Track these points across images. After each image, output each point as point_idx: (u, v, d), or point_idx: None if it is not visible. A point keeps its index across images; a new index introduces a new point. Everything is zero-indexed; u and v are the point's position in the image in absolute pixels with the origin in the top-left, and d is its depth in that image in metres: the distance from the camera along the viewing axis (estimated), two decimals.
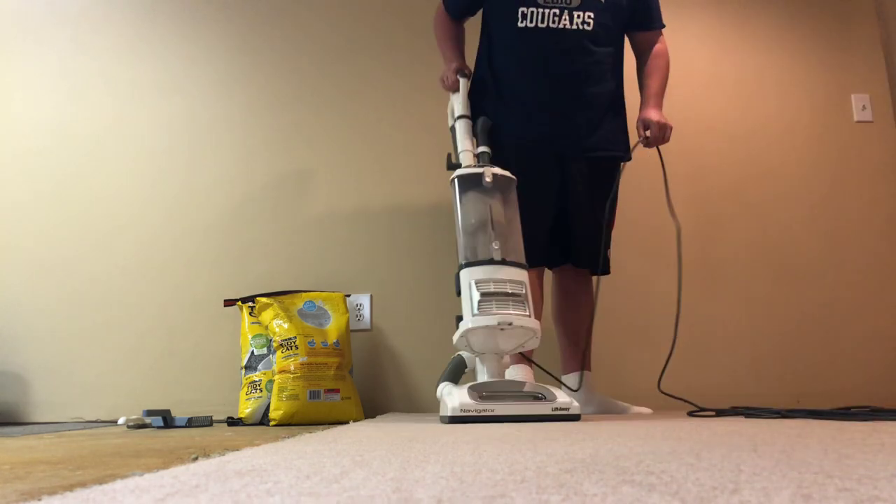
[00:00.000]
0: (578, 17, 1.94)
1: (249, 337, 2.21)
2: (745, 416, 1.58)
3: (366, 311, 2.48)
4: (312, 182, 2.60)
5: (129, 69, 2.69)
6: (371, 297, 2.49)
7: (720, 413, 1.75)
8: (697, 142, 2.72)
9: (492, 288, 1.64)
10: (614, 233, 2.11)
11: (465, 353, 1.76)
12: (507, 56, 1.98)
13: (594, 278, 2.07)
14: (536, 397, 1.58)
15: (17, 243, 2.56)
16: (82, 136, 2.64)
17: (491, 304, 1.63)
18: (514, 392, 1.61)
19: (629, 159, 2.04)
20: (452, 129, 1.99)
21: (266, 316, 2.17)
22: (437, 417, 1.73)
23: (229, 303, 2.31)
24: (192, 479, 0.62)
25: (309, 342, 2.09)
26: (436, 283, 2.49)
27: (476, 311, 1.62)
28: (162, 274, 2.52)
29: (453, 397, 1.53)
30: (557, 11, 1.93)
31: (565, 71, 1.94)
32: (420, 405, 2.42)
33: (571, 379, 2.06)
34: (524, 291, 1.67)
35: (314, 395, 2.03)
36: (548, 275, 2.12)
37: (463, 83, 2.01)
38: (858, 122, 2.79)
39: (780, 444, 0.85)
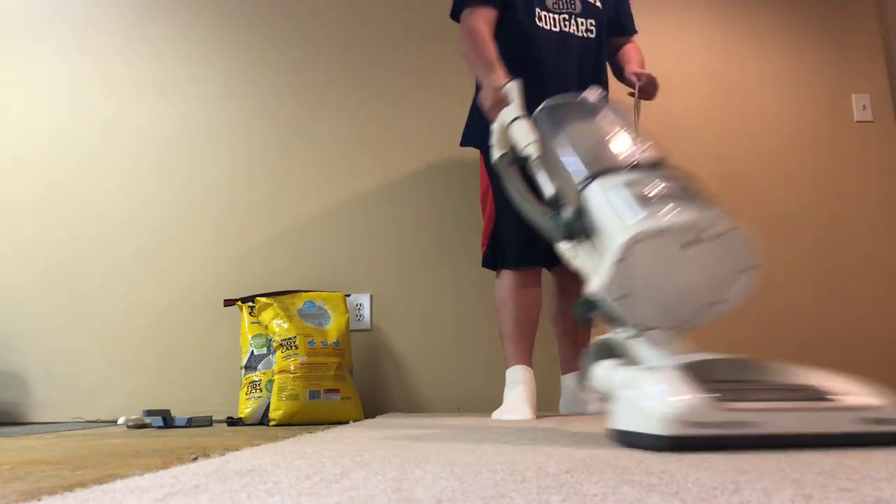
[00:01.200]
0: (582, 23, 2.00)
1: (249, 337, 2.21)
2: None
3: (366, 311, 2.48)
4: (312, 182, 2.59)
5: (129, 69, 2.69)
6: (371, 297, 2.49)
7: None
8: (697, 141, 2.72)
9: (654, 189, 1.01)
10: None
11: (611, 337, 1.04)
12: (524, 55, 1.97)
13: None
14: (813, 395, 0.87)
15: (16, 243, 2.56)
16: (82, 135, 2.64)
17: (666, 201, 0.98)
18: (770, 383, 0.92)
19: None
20: (510, 153, 1.49)
21: (266, 316, 2.17)
22: (440, 418, 1.68)
23: (229, 303, 2.31)
24: (192, 479, 0.62)
25: (309, 342, 2.09)
26: (436, 283, 2.49)
27: (640, 213, 0.97)
28: (162, 274, 2.52)
29: (656, 391, 0.82)
30: (566, 16, 1.98)
31: (575, 73, 1.97)
32: (420, 405, 2.42)
33: (571, 379, 2.06)
34: (708, 196, 1.03)
35: (314, 395, 2.03)
36: (546, 276, 2.12)
37: (513, 86, 1.58)
38: (859, 121, 2.79)
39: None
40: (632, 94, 1.97)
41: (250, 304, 2.23)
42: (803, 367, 0.95)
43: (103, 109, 2.66)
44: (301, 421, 1.99)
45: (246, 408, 2.11)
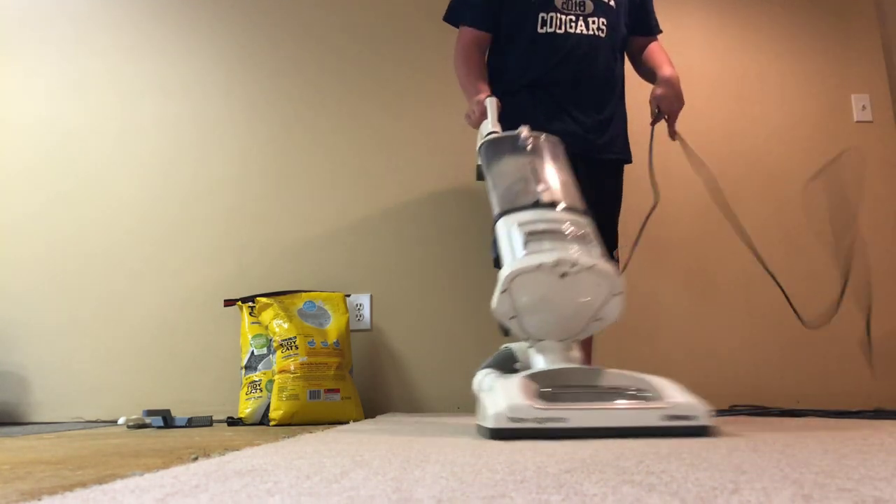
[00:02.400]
0: (593, 22, 1.96)
1: (249, 337, 2.21)
2: (746, 416, 1.58)
3: (366, 311, 2.48)
4: (313, 182, 2.59)
5: (132, 69, 2.69)
6: (371, 297, 2.49)
7: (720, 413, 1.75)
8: (697, 141, 2.71)
9: (541, 227, 1.22)
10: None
11: (515, 345, 1.31)
12: (525, 61, 1.97)
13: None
14: (633, 395, 1.08)
15: (17, 243, 2.56)
16: (84, 135, 2.64)
17: (542, 241, 1.20)
18: (593, 388, 1.12)
19: (629, 160, 2.04)
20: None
21: (266, 316, 2.17)
22: (441, 418, 1.69)
23: (229, 303, 2.31)
24: (192, 480, 0.62)
25: (309, 342, 2.09)
26: (436, 283, 2.49)
27: (523, 252, 1.19)
28: (162, 274, 2.52)
29: (497, 395, 1.05)
30: (574, 17, 1.95)
31: (582, 75, 1.95)
32: (420, 405, 2.42)
33: None
34: (592, 234, 1.26)
35: (314, 395, 2.03)
36: None
37: (490, 102, 1.74)
38: (858, 122, 2.79)
39: (780, 444, 0.85)
40: (652, 123, 1.98)
41: (250, 304, 2.23)
42: (635, 373, 1.12)
43: (105, 109, 2.66)
44: (301, 421, 1.99)
45: (246, 408, 2.11)
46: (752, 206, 2.71)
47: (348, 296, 2.37)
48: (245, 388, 2.15)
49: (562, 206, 1.28)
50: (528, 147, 1.43)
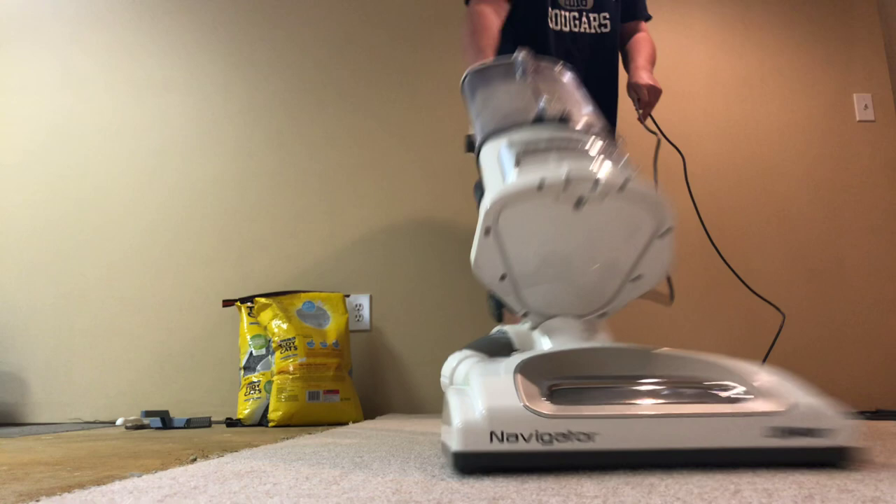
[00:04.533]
0: (595, 19, 1.95)
1: (248, 337, 2.21)
2: None
3: (365, 312, 2.48)
4: (311, 182, 2.59)
5: (128, 69, 2.69)
6: (370, 297, 2.49)
7: None
8: (698, 141, 2.72)
9: (544, 145, 0.84)
10: None
11: (512, 328, 0.91)
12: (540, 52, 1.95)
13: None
14: (712, 393, 0.68)
15: (15, 243, 2.56)
16: (81, 135, 2.64)
17: (547, 156, 0.81)
18: (637, 379, 0.70)
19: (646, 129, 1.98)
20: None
21: (265, 316, 2.16)
22: (440, 418, 1.68)
23: (228, 303, 2.31)
24: (190, 481, 0.62)
25: (308, 343, 2.09)
26: (436, 283, 2.48)
27: (510, 173, 0.81)
28: (160, 274, 2.51)
29: (473, 391, 0.65)
30: (577, 14, 1.94)
31: (586, 73, 1.95)
32: (420, 406, 2.41)
33: None
34: (617, 153, 0.87)
35: (313, 395, 2.02)
36: None
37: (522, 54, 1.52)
38: (860, 121, 2.79)
39: None
40: (641, 118, 1.95)
41: (249, 304, 2.23)
42: (715, 356, 0.75)
43: (102, 108, 2.66)
44: (300, 422, 1.98)
45: (245, 409, 2.10)
46: (753, 206, 2.71)
47: (347, 296, 2.37)
48: (244, 389, 2.15)
49: (578, 124, 0.90)
50: (529, 71, 1.07)
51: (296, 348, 2.06)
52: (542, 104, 0.91)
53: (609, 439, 0.59)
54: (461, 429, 0.60)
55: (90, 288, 2.51)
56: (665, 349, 0.75)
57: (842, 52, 2.85)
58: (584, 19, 1.94)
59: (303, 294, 2.25)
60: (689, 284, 2.49)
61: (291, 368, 2.03)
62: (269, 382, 2.08)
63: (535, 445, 0.59)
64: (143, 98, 2.67)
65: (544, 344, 0.81)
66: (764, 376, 0.68)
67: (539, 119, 0.89)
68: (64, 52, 2.71)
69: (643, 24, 2.10)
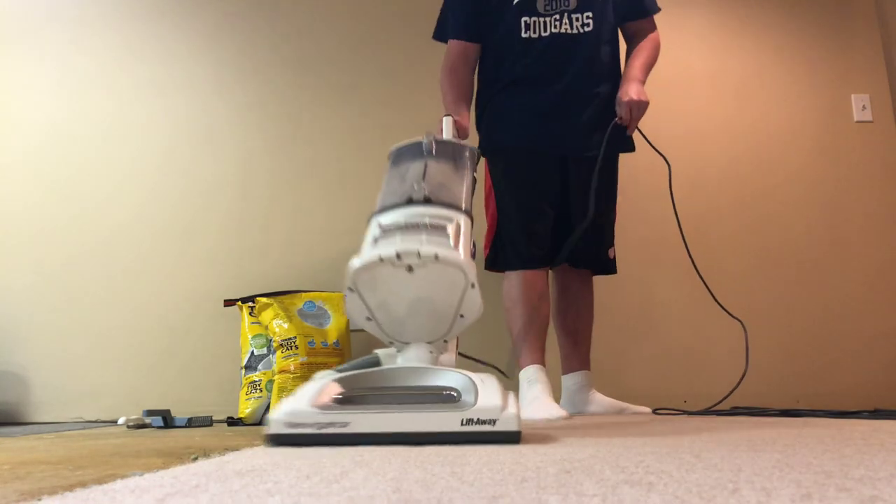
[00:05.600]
0: (577, 19, 1.95)
1: (249, 337, 2.21)
2: (746, 416, 1.58)
3: None
4: (312, 182, 2.59)
5: (128, 70, 2.69)
6: None
7: (721, 413, 1.75)
8: (698, 141, 2.72)
9: (402, 223, 1.13)
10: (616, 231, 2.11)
11: (382, 351, 1.22)
12: (513, 66, 1.97)
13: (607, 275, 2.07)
14: (441, 397, 0.98)
15: (17, 243, 2.56)
16: (82, 136, 2.64)
17: (394, 235, 1.11)
18: (400, 389, 1.03)
19: (631, 148, 2.02)
20: None
21: (266, 316, 2.17)
22: None
23: (229, 303, 2.31)
24: (192, 480, 0.62)
25: (309, 342, 2.09)
26: None
27: (367, 249, 1.11)
28: (162, 274, 2.52)
29: (289, 398, 0.97)
30: (558, 16, 1.94)
31: (570, 76, 1.95)
32: None
33: (571, 379, 2.06)
34: (450, 226, 1.13)
35: None
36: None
37: (447, 121, 1.71)
38: (858, 122, 2.79)
39: (780, 444, 0.85)
40: (616, 124, 1.93)
41: (250, 304, 2.23)
42: (470, 373, 1.00)
43: (103, 110, 2.66)
44: None
45: (246, 408, 2.11)
46: (753, 206, 2.71)
47: None
48: (245, 388, 2.15)
49: (434, 202, 1.17)
50: (429, 152, 1.32)
51: (297, 348, 2.06)
52: (415, 187, 1.19)
53: (358, 426, 0.91)
54: (272, 420, 0.93)
55: (92, 288, 2.52)
56: (441, 368, 1.06)
57: (840, 53, 2.85)
58: (565, 20, 1.94)
59: (304, 294, 2.25)
60: (690, 284, 2.49)
61: (292, 368, 2.04)
62: (271, 382, 2.09)
63: (311, 430, 0.91)
64: (143, 100, 2.67)
65: (392, 363, 1.13)
66: (479, 385, 0.96)
67: (409, 200, 1.17)
68: (64, 53, 2.72)
69: (648, 22, 2.08)
